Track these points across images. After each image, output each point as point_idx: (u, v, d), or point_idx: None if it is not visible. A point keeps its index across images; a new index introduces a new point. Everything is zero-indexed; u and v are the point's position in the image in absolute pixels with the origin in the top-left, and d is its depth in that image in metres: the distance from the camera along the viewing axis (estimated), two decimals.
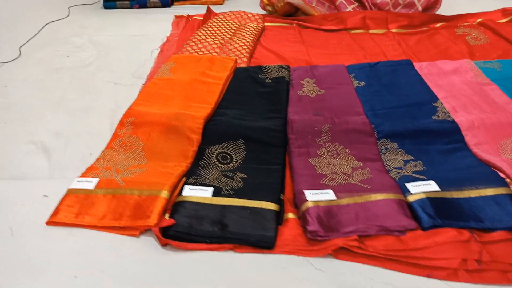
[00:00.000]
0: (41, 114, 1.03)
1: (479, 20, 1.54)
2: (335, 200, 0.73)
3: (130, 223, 0.70)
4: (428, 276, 0.62)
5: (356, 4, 1.58)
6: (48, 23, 1.61)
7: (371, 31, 1.52)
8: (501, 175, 0.78)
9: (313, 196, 0.73)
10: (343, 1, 1.57)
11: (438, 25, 1.54)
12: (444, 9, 1.60)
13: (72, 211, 0.74)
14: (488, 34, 1.41)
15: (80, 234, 0.70)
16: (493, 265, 0.63)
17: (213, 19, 1.52)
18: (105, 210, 0.73)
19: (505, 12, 1.56)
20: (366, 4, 1.54)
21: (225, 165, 0.83)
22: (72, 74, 1.21)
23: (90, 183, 0.79)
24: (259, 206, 0.72)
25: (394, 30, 1.52)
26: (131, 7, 1.80)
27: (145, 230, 0.70)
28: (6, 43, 1.43)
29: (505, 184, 0.74)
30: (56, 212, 0.74)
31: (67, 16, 1.70)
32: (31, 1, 1.86)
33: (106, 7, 1.81)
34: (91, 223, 0.72)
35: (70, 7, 1.79)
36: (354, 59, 1.30)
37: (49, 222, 0.72)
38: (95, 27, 1.59)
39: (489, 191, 0.73)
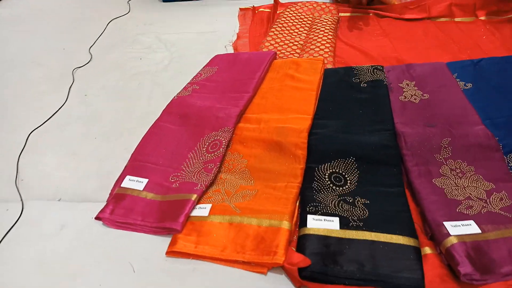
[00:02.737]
0: (130, 128, 0.98)
1: None
2: (480, 234, 0.66)
3: (255, 259, 0.66)
4: None
5: None
6: (111, 20, 1.57)
7: (456, 19, 1.39)
8: None
9: (455, 229, 0.66)
10: None
11: None
12: None
13: (191, 240, 0.70)
14: None
15: (205, 269, 0.66)
16: None
17: (285, 12, 1.43)
18: (224, 241, 0.69)
19: None
20: None
21: (340, 188, 0.77)
22: (151, 80, 1.16)
23: (203, 210, 0.75)
24: (397, 242, 0.65)
25: (482, 18, 1.38)
26: (190, 0, 1.73)
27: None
28: (75, 45, 1.40)
29: None
30: (174, 241, 0.70)
31: (128, 12, 1.65)
32: None
33: (165, 0, 1.74)
34: (213, 254, 0.67)
35: (129, 1, 1.73)
36: (448, 54, 1.19)
37: (169, 253, 0.69)
38: (160, 24, 1.53)
39: None
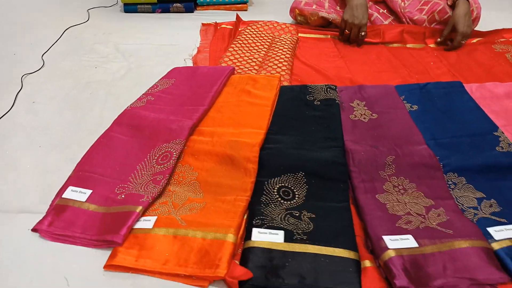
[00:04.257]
0: (79, 139, 0.95)
1: None
2: (417, 247, 0.68)
3: (197, 272, 0.64)
4: None
5: (392, 17, 1.52)
6: (68, 28, 1.53)
7: (408, 45, 1.47)
8: None
9: (393, 243, 0.68)
10: (379, 16, 1.51)
11: (474, 40, 1.50)
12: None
13: (131, 254, 0.67)
14: None
15: (145, 284, 0.64)
16: None
17: (246, 30, 1.46)
18: (167, 254, 0.67)
19: None
20: (404, 19, 1.49)
21: (288, 202, 0.78)
22: (106, 90, 1.14)
23: (148, 222, 0.73)
24: (338, 255, 0.66)
25: (431, 45, 1.47)
26: (153, 12, 1.73)
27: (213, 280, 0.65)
28: (27, 50, 1.35)
29: None
30: (114, 254, 0.68)
31: (87, 20, 1.62)
32: (47, 3, 1.77)
33: (126, 10, 1.73)
34: (154, 268, 0.65)
35: (89, 9, 1.70)
36: (398, 78, 1.25)
37: (107, 266, 0.66)
38: (119, 34, 1.51)
39: None
